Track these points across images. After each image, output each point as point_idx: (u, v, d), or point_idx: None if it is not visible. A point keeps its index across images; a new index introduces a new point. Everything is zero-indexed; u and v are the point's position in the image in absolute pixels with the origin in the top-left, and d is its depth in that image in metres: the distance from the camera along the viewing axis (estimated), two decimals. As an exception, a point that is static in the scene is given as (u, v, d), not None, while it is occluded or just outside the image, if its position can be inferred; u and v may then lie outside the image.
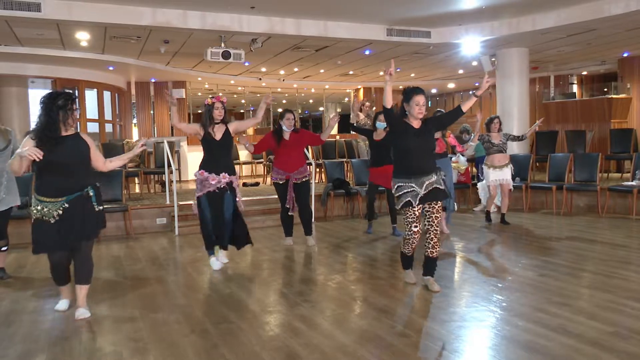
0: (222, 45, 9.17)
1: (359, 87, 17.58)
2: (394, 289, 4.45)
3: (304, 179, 6.09)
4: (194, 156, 11.78)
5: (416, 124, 4.19)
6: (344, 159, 10.28)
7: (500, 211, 7.47)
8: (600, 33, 9.53)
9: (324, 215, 8.37)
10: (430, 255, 4.25)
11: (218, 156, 5.11)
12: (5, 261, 5.22)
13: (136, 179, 9.76)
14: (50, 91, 3.80)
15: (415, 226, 4.18)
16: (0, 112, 11.32)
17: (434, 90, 19.81)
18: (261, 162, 11.62)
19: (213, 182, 5.02)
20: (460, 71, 14.61)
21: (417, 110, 4.11)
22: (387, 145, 6.46)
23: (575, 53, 11.79)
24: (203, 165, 5.13)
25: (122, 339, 3.41)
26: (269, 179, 11.26)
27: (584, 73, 15.15)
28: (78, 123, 11.61)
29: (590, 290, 4.22)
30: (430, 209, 4.20)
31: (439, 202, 4.21)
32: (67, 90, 3.88)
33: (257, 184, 10.97)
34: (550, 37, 9.79)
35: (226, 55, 9.08)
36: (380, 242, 6.41)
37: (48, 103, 3.63)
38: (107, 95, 12.79)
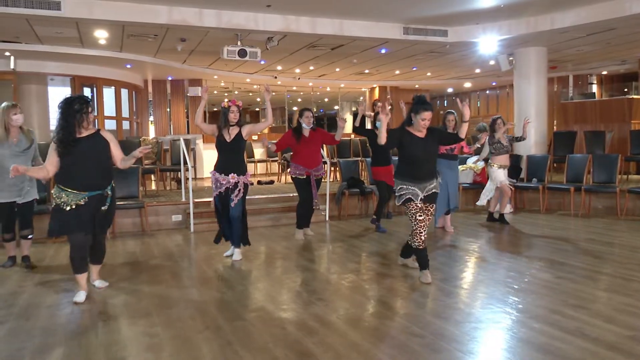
0: (238, 43, 9.20)
1: (375, 85, 17.52)
2: (408, 289, 4.43)
3: (320, 176, 6.54)
4: (209, 154, 11.85)
5: (421, 134, 4.48)
6: (359, 158, 10.25)
7: (491, 210, 7.59)
8: (620, 32, 9.37)
9: (338, 214, 8.36)
10: (411, 244, 4.60)
11: (228, 157, 5.36)
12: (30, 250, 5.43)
13: (152, 176, 9.86)
14: (67, 96, 4.03)
15: (420, 215, 4.45)
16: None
17: (449, 90, 19.67)
18: (276, 160, 11.64)
19: (223, 183, 5.31)
20: (477, 70, 14.49)
21: (422, 125, 4.42)
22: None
23: (594, 52, 11.61)
24: (216, 166, 5.44)
25: (137, 334, 3.45)
26: (283, 177, 11.29)
27: (604, 73, 14.92)
28: (96, 120, 11.77)
29: (608, 293, 4.16)
30: (426, 210, 4.55)
31: (434, 205, 4.62)
32: (81, 95, 4.12)
33: (272, 182, 11.00)
34: (569, 36, 9.65)
35: (242, 53, 9.12)
36: (394, 241, 6.38)
37: (65, 108, 3.93)
38: (124, 93, 12.92)
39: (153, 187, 9.76)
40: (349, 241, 6.48)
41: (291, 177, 6.54)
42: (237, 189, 5.32)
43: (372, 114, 9.70)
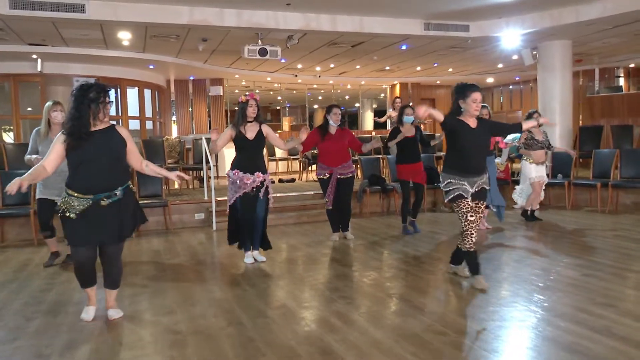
0: (259, 42, 9.25)
1: (395, 82, 17.41)
2: (431, 287, 4.39)
3: (348, 175, 6.11)
4: (231, 153, 11.87)
5: (472, 122, 4.13)
6: (380, 155, 10.21)
7: (533, 207, 7.25)
8: (649, 23, 9.12)
9: (359, 211, 8.34)
10: (461, 247, 4.30)
11: (252, 155, 5.11)
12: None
13: (175, 175, 9.96)
14: (82, 82, 3.52)
15: (472, 215, 4.14)
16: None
17: (472, 85, 19.39)
18: (297, 159, 11.66)
19: (248, 182, 5.02)
20: (500, 65, 14.27)
21: (475, 107, 4.05)
22: (417, 142, 6.41)
23: (621, 44, 11.32)
24: (237, 165, 5.13)
25: (161, 331, 3.49)
26: (305, 175, 11.30)
27: (631, 65, 14.54)
28: (120, 120, 11.97)
29: (637, 292, 4.06)
30: (477, 208, 4.21)
31: (484, 202, 4.26)
32: (100, 82, 3.53)
33: (293, 180, 11.03)
34: (595, 29, 9.43)
35: (263, 52, 9.16)
36: (415, 238, 6.34)
37: (79, 96, 3.40)
38: (147, 93, 13.11)
39: (176, 185, 9.88)
40: (370, 238, 6.45)
41: (317, 178, 6.27)
42: (264, 188, 5.11)
43: (392, 112, 9.61)
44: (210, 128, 15.13)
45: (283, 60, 12.31)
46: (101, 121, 3.47)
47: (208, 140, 8.61)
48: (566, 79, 10.38)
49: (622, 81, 14.81)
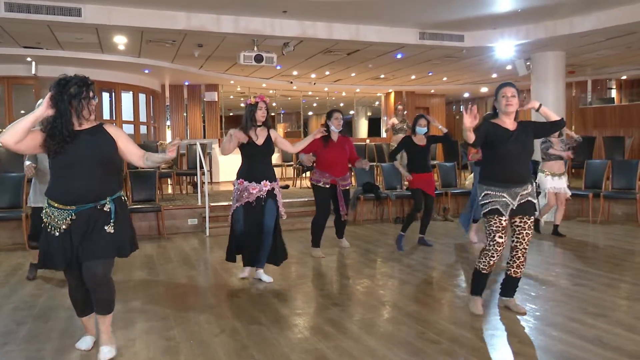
0: (255, 49, 9.27)
1: (390, 90, 17.50)
2: (424, 295, 4.40)
3: (347, 187, 5.89)
4: (225, 158, 11.92)
5: (510, 124, 3.67)
6: (374, 163, 10.23)
7: (556, 222, 6.96)
8: (641, 36, 9.24)
9: (353, 219, 8.34)
10: (514, 275, 3.78)
11: (259, 162, 4.68)
12: None
13: (169, 180, 9.95)
14: (60, 77, 2.93)
15: (500, 237, 3.61)
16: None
17: (466, 95, 19.55)
18: (291, 165, 11.67)
19: (254, 192, 4.61)
20: (494, 75, 14.38)
21: (505, 102, 3.63)
22: (429, 152, 6.26)
23: (614, 57, 11.45)
24: (242, 174, 4.70)
25: (154, 337, 3.47)
26: (298, 182, 11.30)
27: (624, 77, 14.71)
28: (114, 125, 11.93)
29: (629, 302, 4.09)
30: (522, 224, 3.70)
31: (532, 217, 3.72)
32: (80, 75, 2.95)
33: (287, 186, 11.02)
34: (588, 41, 9.54)
35: (259, 58, 9.18)
36: (409, 247, 6.35)
37: (57, 93, 2.86)
38: (142, 97, 13.09)
39: (169, 190, 9.85)
40: (364, 246, 6.46)
41: (312, 184, 5.82)
42: (272, 197, 4.70)
43: (394, 118, 9.61)
44: (204, 135, 15.12)
45: (278, 67, 12.34)
46: (87, 120, 2.95)
47: (202, 146, 8.62)
48: (559, 90, 10.47)
49: (614, 93, 14.97)
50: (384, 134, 17.96)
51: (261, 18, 8.43)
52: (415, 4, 7.79)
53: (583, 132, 12.90)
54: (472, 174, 9.03)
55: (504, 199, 3.61)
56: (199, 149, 8.27)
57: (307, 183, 11.55)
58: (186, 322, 3.76)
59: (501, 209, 3.61)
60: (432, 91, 17.75)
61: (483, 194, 3.69)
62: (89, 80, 2.97)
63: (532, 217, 3.72)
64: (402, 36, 9.32)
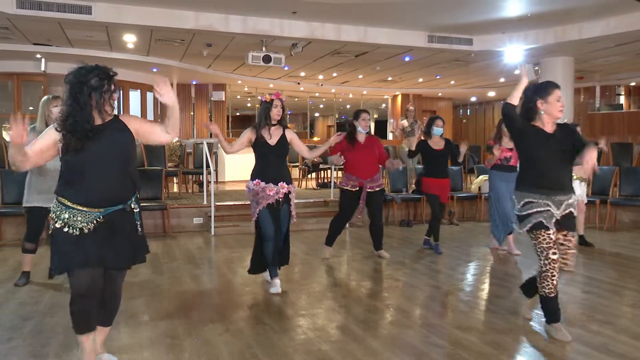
0: (263, 49, 9.30)
1: (397, 93, 17.50)
2: (429, 299, 4.39)
3: (378, 188, 5.54)
4: (231, 158, 11.94)
5: (550, 127, 3.37)
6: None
7: (579, 232, 6.48)
8: (651, 43, 9.20)
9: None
10: (539, 292, 3.43)
11: (273, 163, 4.42)
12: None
13: (175, 179, 9.98)
14: (79, 66, 2.66)
15: (554, 253, 3.28)
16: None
17: (473, 99, 19.51)
18: (297, 166, 11.68)
19: (271, 193, 4.35)
20: (502, 79, 14.37)
21: (559, 108, 3.32)
22: (446, 156, 6.03)
23: (623, 63, 11.42)
24: (257, 174, 4.42)
25: (158, 335, 3.48)
26: (304, 183, 11.30)
27: (632, 84, 14.65)
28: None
29: (635, 309, 4.06)
30: (566, 242, 3.41)
31: (574, 234, 3.46)
32: (102, 66, 2.67)
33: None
34: (597, 47, 9.51)
35: (267, 59, 9.21)
36: (414, 249, 6.34)
37: (76, 83, 2.58)
38: (150, 96, 13.15)
39: (175, 189, 9.88)
40: (369, 249, 6.44)
41: (340, 188, 5.62)
42: (289, 201, 4.49)
43: (404, 122, 9.51)
44: (211, 134, 15.14)
45: (286, 68, 12.37)
46: (109, 115, 2.68)
47: (209, 145, 8.64)
48: (568, 96, 10.44)
49: (622, 99, 14.91)
50: (390, 136, 17.94)
51: (270, 18, 8.46)
52: (425, 7, 7.79)
53: (591, 137, 12.83)
54: (479, 177, 9.01)
55: (548, 210, 3.28)
56: (205, 148, 8.29)
57: (312, 184, 11.57)
58: (190, 321, 3.76)
59: (545, 222, 3.27)
60: (440, 94, 17.74)
61: (523, 202, 3.34)
62: (112, 71, 2.67)
63: (574, 233, 3.46)
64: (411, 39, 9.33)
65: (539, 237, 3.30)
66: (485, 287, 4.81)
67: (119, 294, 2.92)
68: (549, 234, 3.27)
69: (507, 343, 3.35)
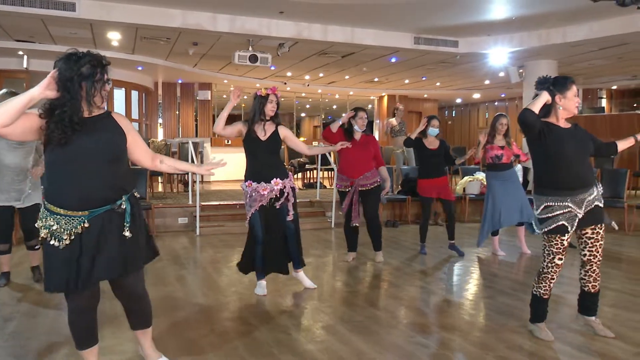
0: (250, 48, 9.27)
1: (383, 94, 17.56)
2: (414, 298, 4.41)
3: (372, 186, 5.39)
4: (217, 158, 11.89)
5: (564, 124, 3.32)
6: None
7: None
8: (632, 47, 9.37)
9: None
10: (593, 291, 3.43)
11: (265, 160, 4.25)
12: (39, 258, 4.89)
13: (159, 178, 9.90)
14: (70, 51, 2.42)
15: (560, 259, 3.28)
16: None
17: (458, 100, 19.67)
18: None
19: (264, 193, 4.20)
20: (487, 81, 14.49)
21: (576, 103, 3.30)
22: (441, 155, 5.98)
23: (605, 67, 11.60)
24: (249, 175, 4.29)
25: (142, 335, 3.45)
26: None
27: (614, 87, 14.90)
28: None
29: (615, 309, 4.13)
30: (595, 235, 3.34)
31: (603, 225, 3.37)
32: (94, 52, 2.45)
33: (278, 187, 11.01)
34: (580, 50, 9.65)
35: (253, 59, 9.19)
36: (404, 251, 6.36)
37: (67, 70, 2.34)
38: (134, 94, 13.04)
39: (160, 189, 9.80)
40: (359, 250, 6.44)
41: (337, 190, 5.65)
42: (285, 196, 4.28)
43: (393, 120, 9.54)
44: (196, 133, 15.05)
45: (273, 68, 12.34)
46: (98, 107, 2.48)
47: (195, 144, 8.59)
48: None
49: (604, 102, 15.14)
50: (376, 137, 17.97)
51: (257, 18, 8.44)
52: (411, 8, 7.83)
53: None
54: (463, 178, 9.09)
55: (570, 212, 3.20)
56: (191, 147, 8.25)
57: (298, 184, 11.56)
58: (175, 321, 3.74)
59: (567, 225, 3.20)
60: (425, 96, 17.85)
61: (543, 207, 3.25)
62: (105, 59, 2.47)
63: (603, 225, 3.35)
64: (397, 40, 9.37)
65: (553, 241, 3.26)
66: (470, 287, 4.85)
67: (143, 294, 2.73)
68: (563, 239, 3.24)
69: (492, 343, 3.38)
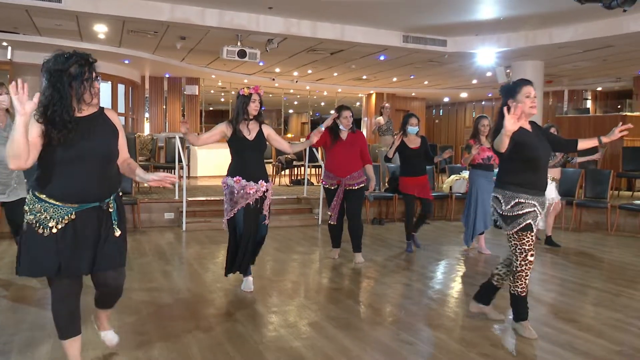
0: (239, 44, 9.23)
1: (372, 92, 17.60)
2: (399, 296, 4.43)
3: (358, 186, 5.36)
4: (204, 153, 11.83)
5: (528, 126, 3.36)
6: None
7: (547, 232, 6.70)
8: (616, 49, 9.50)
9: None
10: (512, 291, 3.49)
11: (252, 160, 4.25)
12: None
13: (146, 173, 9.81)
14: (57, 52, 2.48)
15: (532, 254, 3.35)
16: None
17: (446, 99, 19.78)
18: (270, 162, 11.63)
19: (251, 192, 4.16)
20: (474, 81, 14.59)
21: (530, 104, 3.27)
22: (422, 154, 6.00)
23: (590, 68, 11.75)
24: (237, 171, 4.21)
25: (127, 331, 3.42)
26: (278, 179, 11.27)
27: (599, 89, 15.10)
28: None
29: (598, 308, 4.19)
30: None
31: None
32: (81, 52, 2.53)
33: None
34: (566, 52, 9.76)
35: (242, 54, 9.14)
36: (390, 249, 6.39)
37: (56, 71, 2.42)
38: (121, 88, 12.91)
39: (146, 184, 9.71)
40: (345, 247, 6.46)
41: (323, 186, 5.61)
42: (267, 200, 4.28)
43: (380, 119, 9.56)
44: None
45: (261, 63, 12.30)
46: (88, 105, 2.52)
47: (182, 140, 8.52)
48: (537, 98, 10.67)
49: (589, 103, 15.34)
50: (365, 134, 18.02)
51: (247, 13, 8.40)
52: (400, 7, 7.85)
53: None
54: (450, 177, 9.15)
55: (535, 210, 3.30)
56: (177, 142, 8.19)
57: (285, 181, 11.55)
58: (160, 317, 3.71)
59: (533, 223, 3.30)
60: (413, 94, 17.92)
61: (514, 202, 3.28)
62: (92, 57, 2.52)
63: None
64: (386, 38, 9.39)
65: (524, 239, 3.32)
66: (455, 285, 4.89)
67: (120, 288, 2.77)
68: (532, 236, 3.32)
69: (476, 340, 3.41)
